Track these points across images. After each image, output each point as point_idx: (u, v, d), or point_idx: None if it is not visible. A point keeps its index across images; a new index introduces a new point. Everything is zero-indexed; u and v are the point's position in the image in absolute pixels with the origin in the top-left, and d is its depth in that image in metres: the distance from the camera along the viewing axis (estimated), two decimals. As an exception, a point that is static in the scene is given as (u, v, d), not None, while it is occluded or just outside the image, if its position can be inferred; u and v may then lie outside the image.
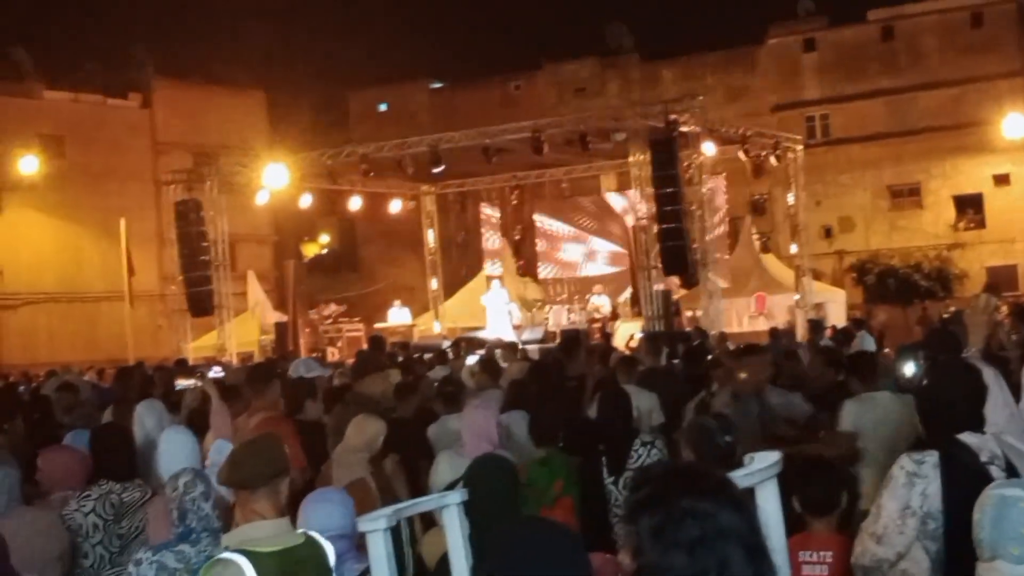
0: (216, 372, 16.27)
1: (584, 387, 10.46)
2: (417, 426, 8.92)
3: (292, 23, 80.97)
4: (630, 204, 27.78)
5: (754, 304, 29.87)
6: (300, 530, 4.43)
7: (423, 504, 4.90)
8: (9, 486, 5.70)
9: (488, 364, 11.31)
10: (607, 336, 25.41)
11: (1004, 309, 19.30)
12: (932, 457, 4.24)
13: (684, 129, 24.56)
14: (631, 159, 25.69)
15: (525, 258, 36.14)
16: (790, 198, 31.68)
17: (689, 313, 27.71)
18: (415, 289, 39.20)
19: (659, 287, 25.10)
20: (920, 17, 47.35)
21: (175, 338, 30.60)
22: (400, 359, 15.99)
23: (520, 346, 22.51)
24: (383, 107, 55.99)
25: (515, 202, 34.95)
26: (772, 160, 28.80)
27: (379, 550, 4.22)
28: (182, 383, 15.17)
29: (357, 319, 32.51)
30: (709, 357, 12.13)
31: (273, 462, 4.41)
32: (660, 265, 24.48)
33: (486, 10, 77.88)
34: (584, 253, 33.68)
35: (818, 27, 49.47)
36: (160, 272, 41.21)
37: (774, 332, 20.53)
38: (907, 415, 5.44)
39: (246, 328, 31.29)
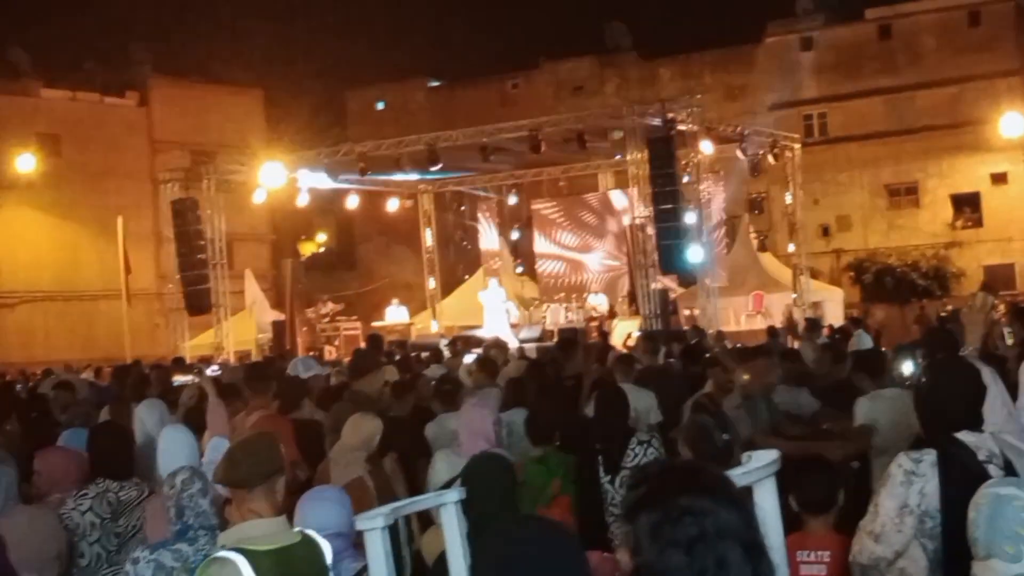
0: (213, 371, 16.25)
1: (581, 386, 10.44)
2: (414, 424, 8.92)
3: (290, 22, 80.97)
4: (628, 202, 27.75)
5: (751, 303, 29.88)
6: (297, 528, 4.43)
7: (421, 502, 4.90)
8: (6, 485, 5.69)
9: (485, 362, 11.29)
10: (605, 335, 25.40)
11: (1001, 308, 19.32)
12: (930, 456, 4.24)
13: (682, 128, 24.58)
14: (629, 158, 25.69)
15: (523, 257, 36.14)
16: (788, 197, 31.69)
17: (687, 312, 27.71)
18: (412, 287, 39.21)
19: (656, 286, 25.10)
20: (918, 16, 47.38)
21: (172, 337, 30.58)
22: (397, 357, 16.00)
23: (518, 344, 22.57)
24: (381, 106, 56.00)
25: (513, 201, 34.91)
26: (770, 159, 28.82)
27: (377, 548, 4.22)
28: (180, 379, 15.19)
29: (354, 318, 32.48)
30: (707, 356, 12.11)
31: (269, 461, 4.40)
32: (657, 264, 24.48)
33: (484, 9, 77.90)
34: (582, 252, 33.65)
35: (816, 26, 49.49)
36: (157, 271, 41.21)
37: (772, 331, 20.55)
38: None
39: (243, 327, 31.28)
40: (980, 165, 45.91)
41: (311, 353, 24.08)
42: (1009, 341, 10.23)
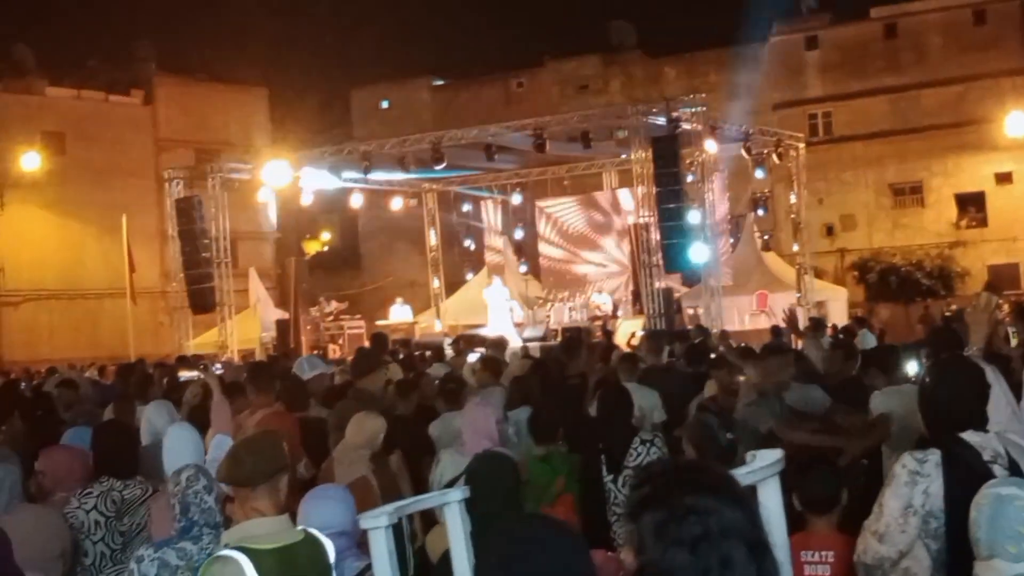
0: (216, 369, 16.27)
1: (586, 385, 10.44)
2: (418, 423, 8.92)
3: (295, 20, 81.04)
4: (633, 201, 27.74)
5: (755, 302, 29.84)
6: (300, 527, 4.43)
7: (425, 501, 4.90)
8: (11, 484, 5.69)
9: (489, 361, 11.29)
10: (608, 334, 25.36)
11: (1005, 307, 19.29)
12: (934, 456, 4.23)
13: (686, 126, 24.56)
14: (633, 156, 25.68)
15: (527, 255, 36.13)
16: (792, 196, 31.66)
17: (690, 311, 27.68)
18: (417, 286, 39.22)
19: (660, 285, 25.08)
20: (923, 15, 47.32)
21: (177, 335, 30.60)
22: (401, 356, 16.00)
23: (521, 343, 22.58)
24: (385, 104, 56.00)
25: (517, 200, 34.91)
26: (774, 158, 28.80)
27: (381, 547, 4.22)
28: (185, 375, 15.21)
29: (358, 316, 32.49)
30: (712, 356, 12.10)
31: (273, 459, 4.40)
32: (661, 263, 24.47)
33: (489, 7, 77.92)
34: (586, 251, 33.64)
35: (821, 25, 49.45)
36: (162, 269, 41.22)
37: (776, 330, 20.50)
38: None
39: (247, 325, 31.29)
40: (985, 164, 45.85)
41: (315, 352, 24.12)
42: (1013, 341, 10.21)
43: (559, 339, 24.16)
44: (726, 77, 49.33)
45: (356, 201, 33.17)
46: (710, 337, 17.38)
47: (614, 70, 52.26)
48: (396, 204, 34.75)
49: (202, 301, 28.62)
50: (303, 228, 50.51)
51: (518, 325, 28.87)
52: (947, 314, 28.44)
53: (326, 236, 55.29)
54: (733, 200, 33.63)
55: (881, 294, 43.05)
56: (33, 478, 6.48)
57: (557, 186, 35.50)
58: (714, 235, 26.36)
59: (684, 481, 2.45)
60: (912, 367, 8.04)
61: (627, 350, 15.26)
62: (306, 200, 31.01)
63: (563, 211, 34.24)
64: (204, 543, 4.76)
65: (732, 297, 28.05)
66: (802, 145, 31.42)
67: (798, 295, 29.94)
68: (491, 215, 36.34)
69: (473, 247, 38.28)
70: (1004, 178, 45.96)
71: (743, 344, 14.83)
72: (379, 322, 31.39)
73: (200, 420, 7.80)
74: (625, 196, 31.43)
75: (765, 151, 28.82)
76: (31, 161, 42.02)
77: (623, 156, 28.57)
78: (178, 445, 6.05)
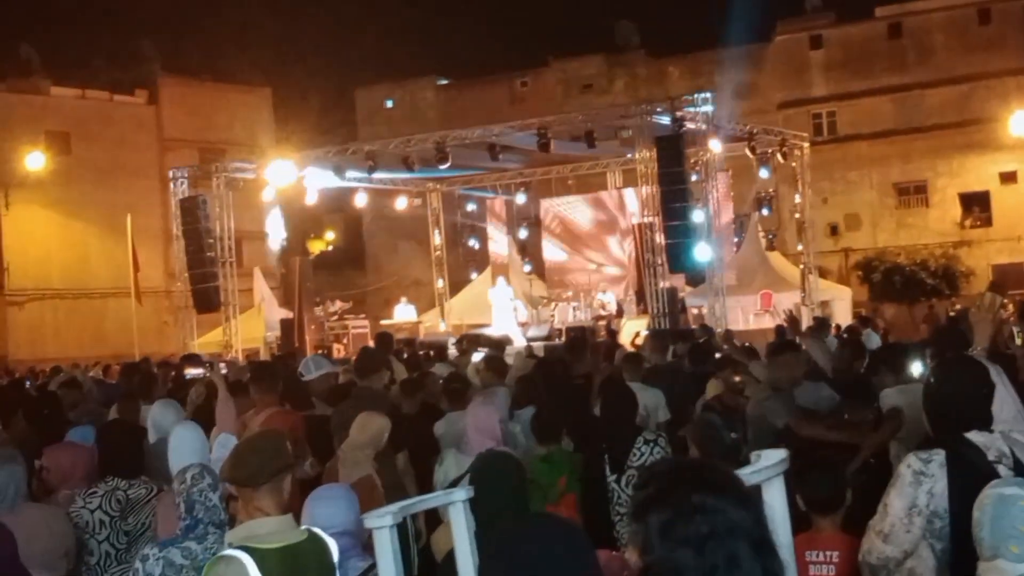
0: (221, 369, 16.28)
1: (591, 385, 10.45)
2: (423, 423, 8.93)
3: (299, 20, 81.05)
4: (637, 200, 27.73)
5: (760, 302, 29.83)
6: (303, 526, 4.43)
7: (429, 501, 4.90)
8: (16, 484, 5.70)
9: (493, 361, 11.29)
10: (613, 333, 25.39)
11: (1010, 307, 19.27)
12: (939, 456, 4.22)
13: (691, 126, 24.55)
14: (637, 156, 25.66)
15: (531, 255, 36.13)
16: (796, 196, 31.63)
17: (695, 311, 27.67)
18: (421, 286, 39.23)
19: (665, 284, 25.07)
20: (928, 14, 47.27)
21: (181, 334, 30.63)
22: (405, 356, 15.99)
23: (525, 343, 22.57)
24: (390, 104, 56.00)
25: (522, 199, 34.90)
26: (779, 157, 28.78)
27: (386, 546, 4.22)
28: (191, 372, 15.23)
29: (363, 316, 32.52)
30: (717, 355, 12.12)
31: (276, 459, 4.40)
32: (666, 262, 24.46)
33: (493, 7, 77.88)
34: (590, 250, 33.63)
35: (825, 24, 49.41)
36: (166, 268, 41.24)
37: (780, 330, 20.51)
38: None
39: (252, 325, 31.32)
40: (989, 164, 45.80)
41: (319, 351, 24.12)
42: (1018, 341, 10.22)
43: (563, 339, 24.18)
44: (730, 77, 49.22)
45: (360, 201, 33.18)
46: (714, 337, 17.39)
47: (618, 70, 52.23)
48: (400, 204, 34.76)
49: (206, 300, 28.66)
50: (308, 227, 50.53)
51: (522, 324, 28.88)
52: (951, 314, 28.41)
53: (330, 236, 55.33)
54: (737, 200, 33.58)
55: (885, 294, 43.00)
56: (36, 474, 6.49)
57: (561, 185, 35.48)
58: (718, 235, 26.35)
59: (689, 480, 2.45)
60: (917, 367, 8.05)
61: (631, 350, 15.27)
62: (310, 199, 31.04)
63: (567, 211, 34.22)
64: (209, 543, 4.77)
65: (736, 297, 28.05)
66: (806, 144, 31.39)
67: (802, 295, 29.92)
68: (495, 215, 36.33)
69: (477, 247, 38.27)
70: (1009, 177, 45.90)
71: (747, 344, 14.85)
72: (383, 321, 31.40)
73: (204, 420, 7.80)
74: (630, 196, 31.40)
75: (769, 151, 28.80)
76: (36, 161, 42.08)
77: (628, 156, 28.54)
78: (183, 445, 6.06)
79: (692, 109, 24.76)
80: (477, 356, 14.51)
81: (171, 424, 7.27)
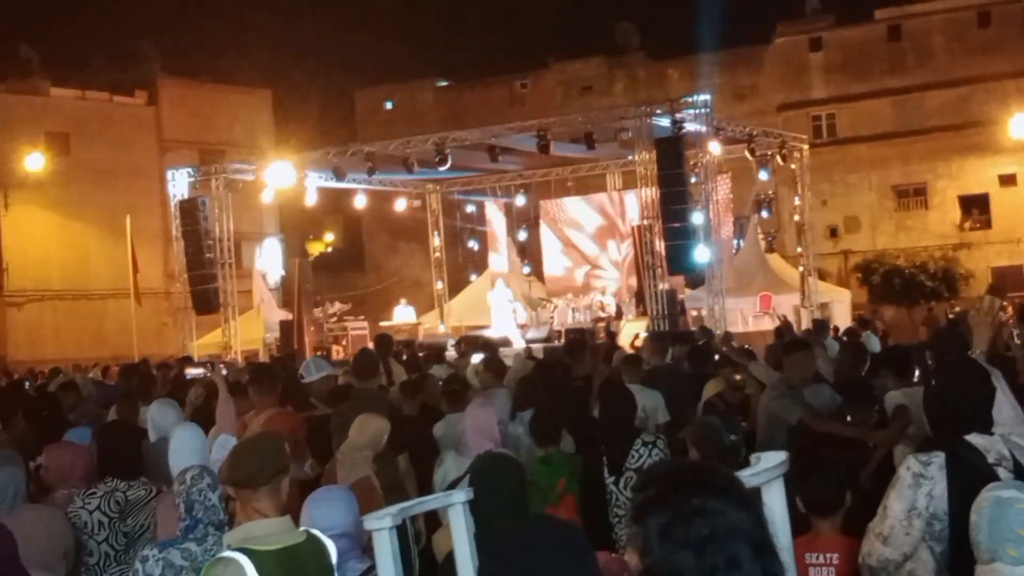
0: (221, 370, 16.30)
1: (591, 387, 10.45)
2: (423, 424, 8.93)
3: (298, 21, 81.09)
4: (637, 202, 27.72)
5: (759, 304, 29.83)
6: (302, 528, 4.43)
7: (429, 503, 4.90)
8: (15, 485, 5.70)
9: (492, 363, 11.29)
10: (612, 335, 25.38)
11: (1009, 309, 19.28)
12: (939, 458, 4.23)
13: (690, 128, 24.54)
14: (637, 158, 25.65)
15: (530, 257, 36.13)
16: (796, 198, 31.64)
17: (694, 313, 27.67)
18: (420, 286, 39.22)
19: (664, 286, 25.06)
20: (927, 16, 47.32)
21: (180, 336, 30.61)
22: (405, 357, 15.98)
23: (525, 344, 22.57)
24: (389, 105, 56.02)
25: (521, 201, 34.90)
26: (778, 159, 28.79)
27: (385, 548, 4.22)
28: (192, 372, 15.24)
29: (362, 317, 32.50)
30: (716, 357, 12.13)
31: (274, 460, 4.40)
32: (665, 264, 24.46)
33: (493, 9, 77.92)
34: (589, 252, 33.63)
35: (825, 26, 49.45)
36: (166, 270, 41.25)
37: (780, 331, 20.49)
38: None
39: (251, 326, 31.32)
40: (989, 166, 45.83)
41: (318, 353, 24.11)
42: (1018, 342, 10.22)
43: (562, 340, 24.17)
44: (730, 79, 49.34)
45: (360, 202, 33.18)
46: (713, 339, 17.38)
47: (618, 72, 52.26)
48: (400, 205, 34.77)
49: (206, 302, 28.64)
50: (307, 229, 50.55)
51: (521, 326, 28.89)
52: (950, 316, 28.42)
53: (330, 237, 55.33)
54: (737, 202, 33.59)
55: (885, 296, 43.02)
56: (34, 473, 6.49)
57: (561, 187, 35.49)
58: (718, 237, 26.35)
59: (689, 482, 2.44)
60: (916, 369, 8.08)
61: (631, 351, 15.26)
62: (310, 201, 31.04)
63: (567, 213, 34.23)
64: (208, 544, 4.77)
65: (736, 299, 28.05)
66: (806, 147, 31.40)
67: (802, 297, 29.92)
68: (495, 216, 36.32)
69: (477, 248, 38.28)
70: (1008, 180, 45.93)
71: (746, 345, 14.85)
72: (382, 323, 31.39)
73: (203, 421, 7.80)
74: (629, 197, 31.40)
75: (769, 153, 28.80)
76: (35, 161, 42.06)
77: (627, 157, 28.53)
78: (184, 446, 6.05)
79: (692, 111, 24.76)
80: (476, 358, 14.51)
81: (170, 424, 7.27)
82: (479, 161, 28.37)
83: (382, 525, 4.22)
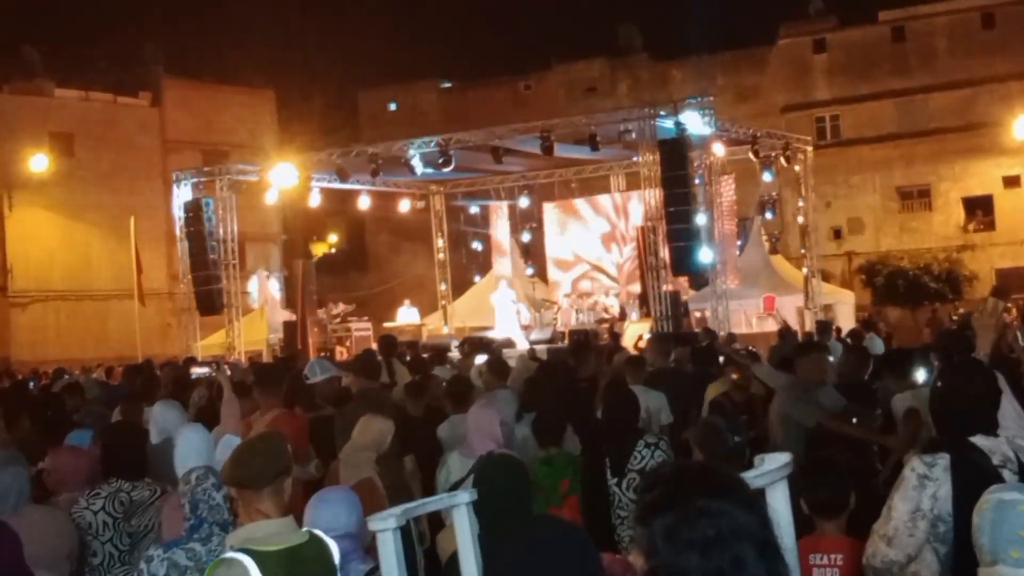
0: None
1: (597, 388, 10.45)
2: (429, 426, 8.94)
3: (302, 22, 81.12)
4: (640, 204, 27.71)
5: (762, 305, 29.81)
6: (304, 529, 4.43)
7: (433, 504, 4.90)
8: (19, 486, 5.71)
9: (495, 364, 11.30)
10: (616, 336, 25.38)
11: (1013, 311, 19.26)
12: (943, 460, 4.22)
13: (694, 130, 24.53)
14: (640, 159, 25.65)
15: (534, 258, 36.12)
16: (799, 199, 31.62)
17: (698, 314, 27.67)
18: (424, 287, 39.21)
19: (668, 288, 25.06)
20: (931, 18, 47.27)
21: (184, 337, 30.64)
22: (408, 358, 16.00)
23: (529, 346, 22.57)
24: (393, 106, 56.04)
25: (525, 203, 34.89)
26: (782, 161, 28.77)
27: (389, 549, 4.22)
28: (197, 371, 15.25)
29: (365, 318, 32.51)
30: (721, 359, 12.13)
31: (277, 461, 4.40)
32: (669, 266, 24.45)
33: (496, 10, 77.92)
34: (593, 253, 33.62)
35: (829, 28, 49.42)
36: (169, 271, 41.30)
37: (783, 333, 20.49)
38: None
39: (255, 327, 31.33)
40: (993, 168, 45.79)
41: (322, 354, 24.14)
42: (1022, 345, 10.20)
43: (566, 341, 24.17)
44: (733, 80, 49.33)
45: (363, 203, 33.19)
46: (717, 340, 17.38)
47: (621, 73, 52.25)
48: (404, 206, 34.77)
49: (209, 303, 28.67)
50: (310, 230, 50.54)
51: (525, 327, 28.89)
52: (954, 318, 28.38)
53: (333, 238, 55.34)
54: (740, 203, 33.56)
55: (888, 298, 42.98)
56: (38, 477, 6.50)
57: (564, 189, 35.47)
58: (721, 238, 26.34)
59: (694, 484, 2.45)
60: (920, 371, 8.08)
61: (634, 353, 15.26)
62: (313, 202, 31.06)
63: (570, 213, 34.22)
64: (213, 544, 4.77)
65: (739, 300, 28.05)
66: (810, 148, 31.38)
67: (805, 298, 29.90)
68: (498, 217, 36.32)
69: (480, 249, 38.28)
70: (1012, 182, 45.88)
71: (750, 347, 14.86)
72: (386, 324, 31.41)
73: (207, 421, 7.81)
74: (633, 199, 31.39)
75: (773, 154, 28.78)
76: (39, 162, 42.10)
77: (634, 159, 28.52)
78: (189, 446, 6.06)
79: (695, 112, 24.75)
80: (480, 359, 14.51)
81: (174, 425, 7.28)
82: (483, 162, 28.37)
83: (386, 526, 4.22)
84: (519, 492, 4.93)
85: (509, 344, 23.91)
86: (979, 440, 4.25)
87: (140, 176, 43.96)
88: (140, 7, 69.91)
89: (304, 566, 4.16)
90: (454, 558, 4.61)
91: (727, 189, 28.84)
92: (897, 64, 47.46)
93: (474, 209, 38.02)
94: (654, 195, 24.99)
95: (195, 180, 30.11)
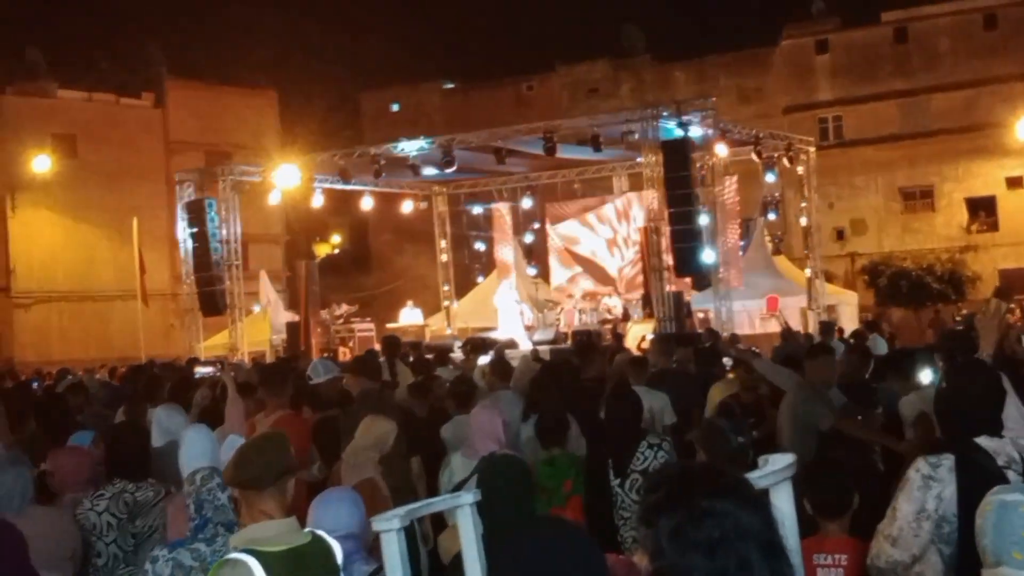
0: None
1: (603, 388, 10.45)
2: (432, 426, 8.94)
3: (305, 23, 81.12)
4: (643, 205, 27.71)
5: (766, 305, 29.80)
6: (307, 529, 4.43)
7: (436, 504, 4.90)
8: (23, 486, 5.72)
9: (498, 365, 11.31)
10: (619, 337, 25.38)
11: (1016, 312, 19.25)
12: (948, 460, 4.22)
13: (696, 130, 24.54)
14: (643, 160, 25.65)
15: (537, 259, 36.12)
16: (802, 200, 31.61)
17: (700, 315, 27.66)
18: (427, 288, 39.21)
19: (671, 288, 25.06)
20: (934, 19, 47.22)
21: (187, 337, 30.66)
22: (411, 359, 15.99)
23: (532, 346, 22.57)
24: (395, 107, 56.04)
25: (527, 203, 34.90)
26: (785, 162, 28.77)
27: (393, 550, 4.22)
28: (201, 371, 15.25)
29: (368, 319, 32.52)
30: (726, 360, 12.15)
31: (280, 461, 4.40)
32: (672, 266, 24.45)
33: (499, 11, 77.94)
34: (596, 254, 33.60)
35: (831, 28, 49.38)
36: (172, 271, 41.30)
37: (786, 334, 20.48)
38: None
39: (258, 328, 31.34)
40: (996, 169, 45.73)
41: (325, 354, 24.15)
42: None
43: (569, 342, 24.17)
44: (736, 81, 49.30)
45: (366, 204, 33.20)
46: (720, 340, 17.37)
47: (624, 74, 52.22)
48: (406, 207, 34.78)
49: (212, 304, 28.68)
50: (313, 231, 50.57)
51: (528, 328, 28.88)
52: (957, 319, 28.36)
53: (336, 239, 55.36)
54: (743, 204, 33.54)
55: (892, 298, 42.96)
56: (40, 479, 6.50)
57: (567, 189, 35.48)
58: (724, 239, 26.34)
59: (699, 484, 2.45)
60: (924, 372, 8.09)
61: (637, 353, 15.26)
62: (316, 203, 31.08)
63: (573, 214, 34.20)
64: (218, 544, 4.77)
65: (742, 301, 28.04)
66: (812, 149, 31.38)
67: (808, 299, 29.89)
68: (501, 218, 36.32)
69: (483, 250, 38.29)
70: (1015, 182, 45.81)
71: (753, 348, 14.85)
72: (389, 325, 31.42)
73: (210, 422, 7.81)
74: (636, 200, 31.39)
75: (775, 155, 28.79)
76: (42, 163, 42.12)
77: (636, 160, 28.52)
78: (194, 447, 6.06)
79: (698, 113, 24.76)
80: (483, 359, 14.53)
81: (178, 427, 7.29)
82: (486, 163, 28.38)
83: (390, 527, 4.22)
84: (521, 493, 4.94)
85: (512, 345, 23.89)
86: (984, 441, 4.25)
87: (143, 177, 43.95)
88: (143, 9, 69.99)
89: (308, 567, 4.17)
90: (457, 559, 4.61)
91: (730, 190, 28.82)
92: (900, 65, 47.42)
93: (477, 210, 38.03)
94: (657, 196, 24.99)
95: (198, 181, 30.11)
